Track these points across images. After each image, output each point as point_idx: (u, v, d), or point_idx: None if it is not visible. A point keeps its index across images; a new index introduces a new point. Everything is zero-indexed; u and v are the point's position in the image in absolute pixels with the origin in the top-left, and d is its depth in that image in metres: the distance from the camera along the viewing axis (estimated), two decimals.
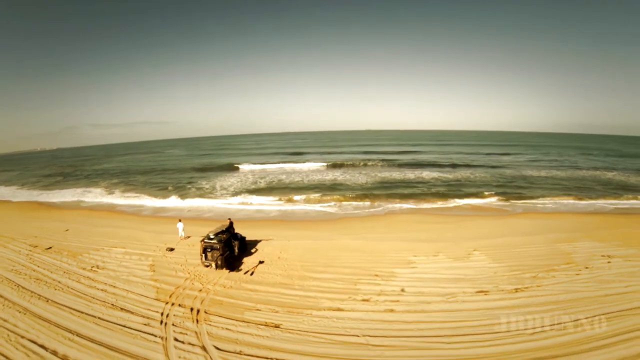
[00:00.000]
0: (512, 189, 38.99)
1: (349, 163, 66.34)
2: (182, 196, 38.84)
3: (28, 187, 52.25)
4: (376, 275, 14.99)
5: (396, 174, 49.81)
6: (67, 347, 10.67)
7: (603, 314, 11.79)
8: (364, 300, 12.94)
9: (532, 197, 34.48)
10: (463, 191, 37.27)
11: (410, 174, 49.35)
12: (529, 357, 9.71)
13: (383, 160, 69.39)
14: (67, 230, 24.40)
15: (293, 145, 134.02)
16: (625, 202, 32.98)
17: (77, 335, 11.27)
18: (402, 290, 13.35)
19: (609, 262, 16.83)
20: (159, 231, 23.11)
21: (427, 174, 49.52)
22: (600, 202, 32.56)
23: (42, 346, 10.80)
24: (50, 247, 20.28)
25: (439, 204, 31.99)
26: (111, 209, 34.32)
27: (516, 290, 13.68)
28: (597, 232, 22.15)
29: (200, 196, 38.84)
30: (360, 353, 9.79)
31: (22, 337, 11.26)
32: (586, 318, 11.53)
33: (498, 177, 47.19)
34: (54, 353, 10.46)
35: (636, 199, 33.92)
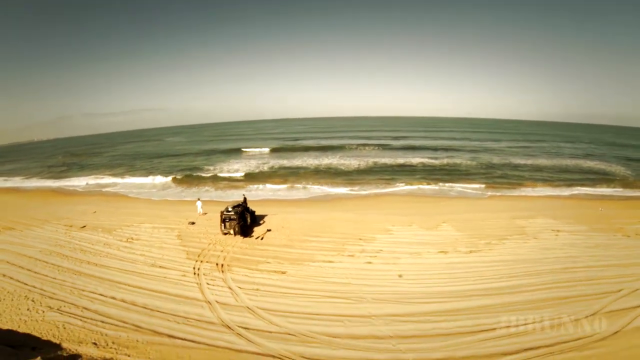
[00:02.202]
0: (494, 175, 42.08)
1: (346, 147, 70.37)
2: (191, 181, 42.38)
3: (40, 177, 53.79)
4: (360, 239, 18.77)
5: (387, 159, 53.04)
6: (122, 294, 13.85)
7: (536, 270, 15.22)
8: (349, 255, 16.77)
9: (510, 182, 37.59)
10: (447, 176, 40.85)
11: (400, 159, 52.64)
12: (470, 294, 13.32)
13: (377, 145, 73.28)
14: (94, 212, 27.09)
15: (292, 132, 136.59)
16: (594, 188, 35.42)
17: (128, 285, 14.52)
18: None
19: (556, 235, 20.01)
20: (178, 210, 26.66)
21: (416, 159, 52.71)
22: (572, 188, 35.22)
23: (101, 294, 13.97)
24: (85, 226, 22.86)
25: (422, 186, 35.54)
26: (127, 193, 37.43)
27: (470, 251, 17.33)
28: (556, 211, 25.28)
29: (208, 180, 42.61)
30: (345, 289, 13.52)
31: (83, 290, 14.25)
32: (522, 272, 15.01)
33: (484, 163, 50.17)
34: (113, 298, 13.65)
35: (608, 186, 36.51)
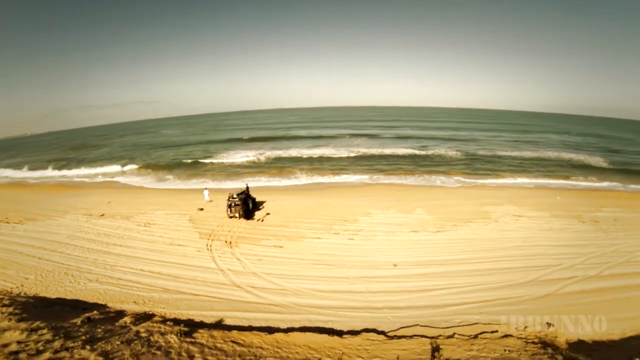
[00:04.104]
0: (475, 165, 44.54)
1: (337, 137, 74.14)
2: (194, 171, 45.28)
3: (44, 171, 53.88)
4: (345, 220, 22.14)
5: (375, 150, 55.82)
6: (149, 266, 16.91)
7: (491, 247, 18.41)
8: (335, 233, 20.22)
9: (489, 173, 39.96)
10: (430, 166, 43.91)
11: (388, 150, 55.28)
12: (431, 263, 16.61)
13: (367, 135, 76.86)
14: (109, 202, 29.25)
15: (285, 122, 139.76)
16: (567, 179, 37.66)
17: (153, 260, 17.57)
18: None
19: (517, 219, 22.61)
20: (186, 198, 29.70)
21: (403, 150, 55.23)
22: (546, 179, 37.50)
23: (131, 268, 16.93)
24: (103, 215, 25.25)
25: (406, 176, 38.53)
26: (135, 184, 40.12)
27: (437, 231, 20.59)
28: (522, 199, 27.70)
29: (210, 170, 45.84)
30: (330, 259, 16.96)
31: (114, 265, 17.21)
32: (478, 248, 18.21)
33: (468, 154, 52.19)
34: (142, 270, 16.66)
35: (582, 176, 38.57)
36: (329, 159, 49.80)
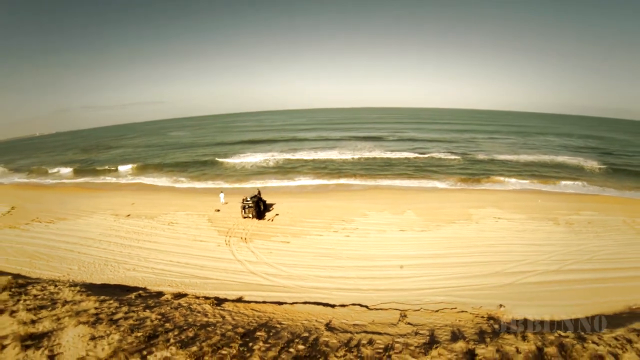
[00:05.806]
0: (470, 169, 46.31)
1: (343, 140, 77.83)
2: (207, 175, 48.33)
3: (63, 173, 56.96)
4: (343, 220, 25.36)
5: (377, 153, 58.44)
6: (177, 258, 20.13)
7: (467, 244, 21.08)
8: (334, 231, 23.46)
9: (481, 177, 41.88)
10: (428, 170, 46.49)
11: (389, 154, 57.78)
12: (413, 256, 19.71)
13: (371, 137, 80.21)
14: (133, 203, 32.16)
15: (292, 124, 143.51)
16: (553, 184, 39.15)
17: (179, 253, 20.84)
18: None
19: (496, 221, 24.54)
20: (203, 200, 32.97)
21: (404, 154, 57.49)
22: (533, 183, 39.21)
23: (162, 259, 20.16)
24: (129, 215, 28.07)
25: (403, 180, 41.35)
26: (153, 186, 43.32)
27: (422, 230, 23.48)
28: (505, 203, 29.29)
29: (223, 174, 48.85)
30: (329, 252, 20.25)
31: (147, 258, 20.48)
32: (455, 245, 21.02)
33: (467, 158, 53.77)
34: (171, 261, 19.92)
35: (571, 180, 40.04)
36: (333, 162, 52.95)
